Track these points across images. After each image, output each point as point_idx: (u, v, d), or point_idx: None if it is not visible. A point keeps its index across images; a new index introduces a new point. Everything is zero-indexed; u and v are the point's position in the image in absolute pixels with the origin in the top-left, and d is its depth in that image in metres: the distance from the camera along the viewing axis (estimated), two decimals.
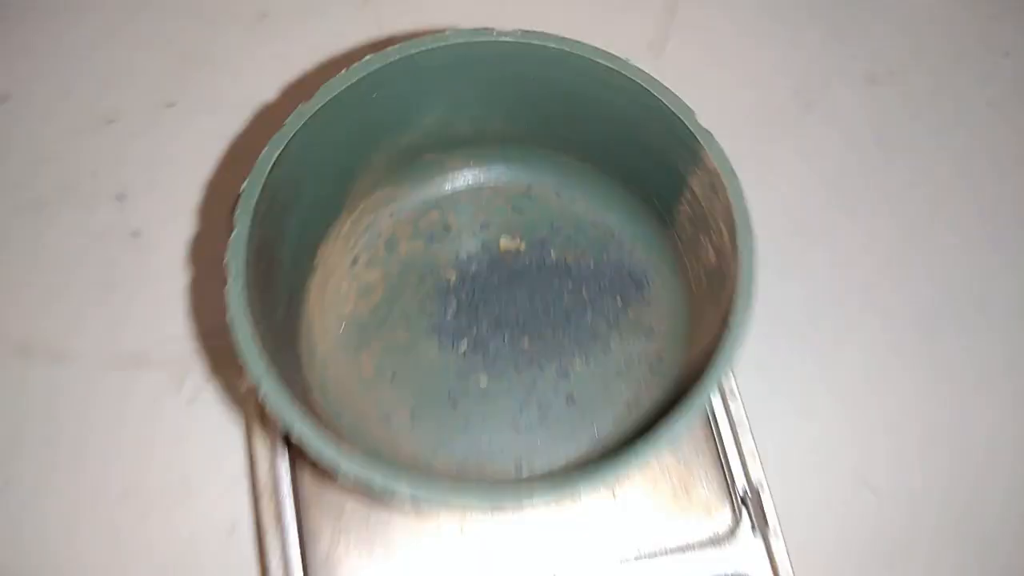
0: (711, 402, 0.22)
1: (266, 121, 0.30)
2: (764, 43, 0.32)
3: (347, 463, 0.16)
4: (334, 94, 0.19)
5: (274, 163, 0.19)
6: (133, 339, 0.28)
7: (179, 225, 0.29)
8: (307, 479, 0.22)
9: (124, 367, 0.28)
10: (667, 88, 0.19)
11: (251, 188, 0.18)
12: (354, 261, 0.23)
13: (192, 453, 0.27)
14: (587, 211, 0.24)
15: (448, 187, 0.24)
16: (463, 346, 0.23)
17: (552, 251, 0.23)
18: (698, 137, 0.18)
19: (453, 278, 0.23)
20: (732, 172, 0.18)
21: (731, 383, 0.23)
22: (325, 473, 0.22)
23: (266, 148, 0.19)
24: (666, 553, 0.22)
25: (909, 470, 0.27)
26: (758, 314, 0.25)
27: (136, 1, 0.34)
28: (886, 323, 0.28)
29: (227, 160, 0.30)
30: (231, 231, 0.19)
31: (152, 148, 0.31)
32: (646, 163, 0.21)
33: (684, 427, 0.17)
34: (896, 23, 0.32)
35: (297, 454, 0.23)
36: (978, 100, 0.31)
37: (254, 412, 0.23)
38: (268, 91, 0.30)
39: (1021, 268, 0.29)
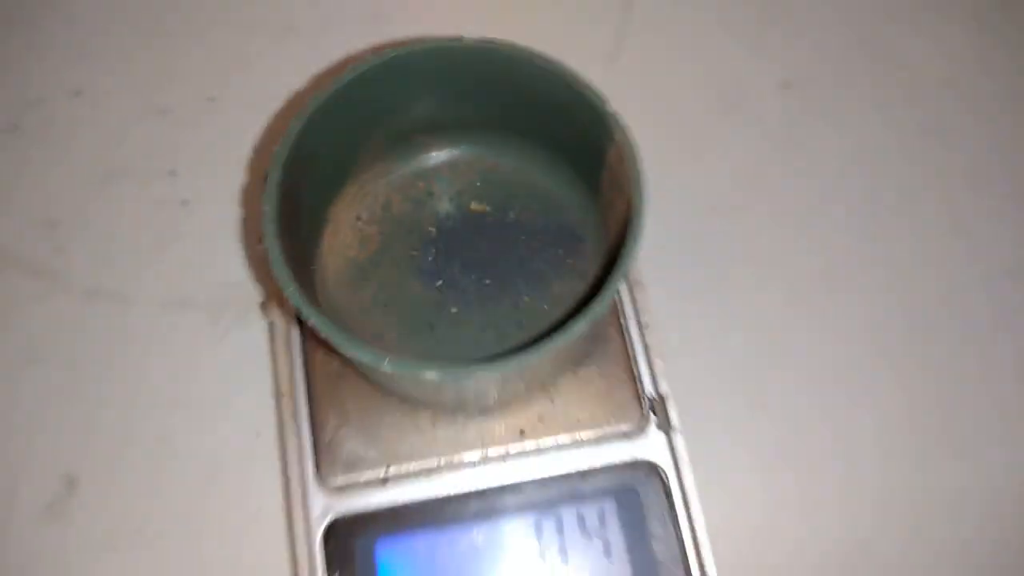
0: (623, 311, 0.29)
1: (291, 111, 0.36)
2: (698, 55, 0.38)
3: (347, 341, 0.22)
4: (342, 84, 0.26)
5: (296, 136, 0.25)
6: (180, 286, 0.34)
7: (220, 196, 0.35)
8: (317, 383, 0.28)
9: (172, 308, 0.33)
10: (588, 83, 0.25)
11: (281, 149, 0.24)
12: (357, 218, 0.30)
13: (226, 375, 0.32)
14: (537, 182, 0.30)
15: (431, 163, 0.30)
16: (439, 283, 0.29)
17: (510, 212, 0.30)
18: (609, 119, 0.24)
19: (434, 232, 0.29)
20: (631, 143, 0.24)
21: (646, 315, 0.29)
22: (332, 375, 0.28)
23: (291, 122, 0.25)
24: (591, 443, 0.28)
25: (794, 392, 0.32)
26: (672, 266, 0.32)
27: (181, 15, 0.39)
28: (786, 272, 0.33)
29: (260, 144, 0.35)
30: (267, 182, 0.25)
31: (198, 134, 0.36)
32: (579, 143, 0.27)
33: (585, 322, 0.23)
34: (806, 39, 0.38)
35: (310, 364, 0.29)
36: (868, 103, 0.36)
37: (280, 326, 0.30)
38: (294, 84, 0.36)
39: (889, 246, 0.34)
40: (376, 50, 0.26)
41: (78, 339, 0.33)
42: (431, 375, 0.22)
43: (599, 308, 0.23)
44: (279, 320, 0.30)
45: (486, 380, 0.23)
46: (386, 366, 0.22)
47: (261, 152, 0.35)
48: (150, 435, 0.31)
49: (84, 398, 0.32)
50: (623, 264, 0.23)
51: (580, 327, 0.22)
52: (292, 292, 0.23)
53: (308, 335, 0.29)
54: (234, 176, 0.35)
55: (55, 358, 0.33)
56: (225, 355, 0.33)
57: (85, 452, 0.31)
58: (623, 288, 0.30)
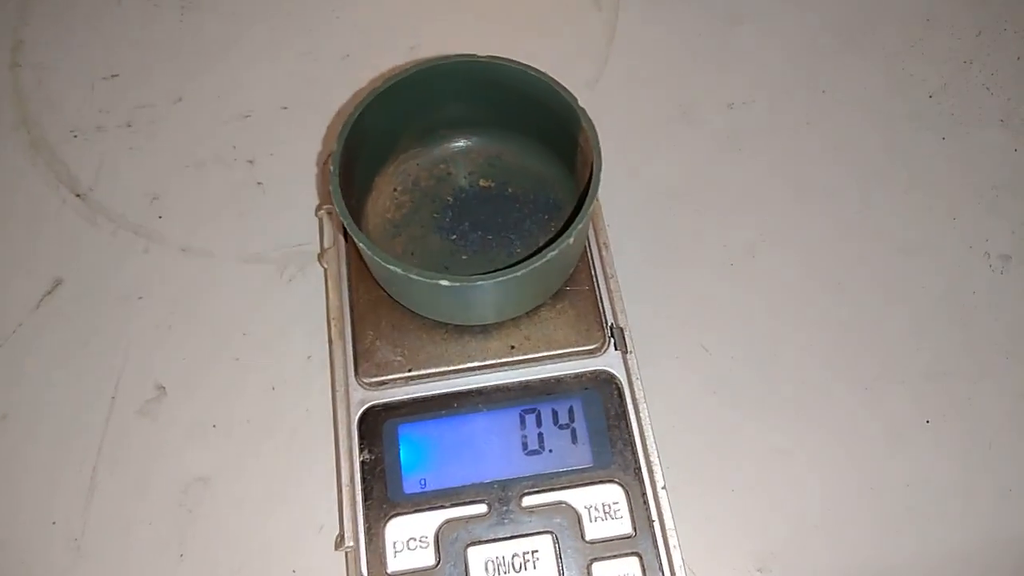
0: (593, 264, 0.37)
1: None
2: (663, 81, 0.46)
3: (384, 256, 0.31)
4: (388, 86, 0.34)
5: (355, 120, 0.34)
6: (254, 246, 0.42)
7: (287, 179, 0.43)
8: (359, 309, 0.36)
9: (248, 262, 0.41)
10: (565, 88, 0.34)
11: (343, 129, 0.33)
12: (394, 189, 0.39)
13: (287, 313, 0.40)
14: (530, 164, 0.38)
15: (451, 150, 0.39)
16: (453, 237, 0.37)
17: (509, 187, 0.38)
18: (578, 112, 0.34)
19: (451, 200, 0.38)
20: (594, 127, 0.33)
21: (610, 268, 0.38)
22: (371, 302, 0.36)
23: (352, 110, 0.34)
24: (564, 358, 0.35)
25: (744, 338, 0.39)
26: (634, 233, 0.41)
27: (261, 43, 0.48)
28: (723, 240, 0.42)
29: (321, 139, 0.44)
30: (333, 152, 0.34)
31: (272, 133, 0.45)
32: (560, 132, 0.35)
33: (556, 249, 0.31)
34: (746, 71, 0.46)
35: (353, 295, 0.38)
36: (794, 120, 0.45)
37: (332, 269, 0.39)
38: (349, 98, 0.45)
39: (806, 224, 0.42)
40: (413, 64, 0.35)
41: (173, 283, 0.41)
42: (445, 282, 0.31)
43: (567, 238, 0.31)
44: (332, 264, 0.39)
45: (486, 289, 0.32)
46: (413, 275, 0.31)
47: (322, 147, 0.45)
48: (227, 356, 0.39)
49: (176, 327, 0.40)
50: (588, 204, 0.32)
51: (552, 252, 0.31)
52: (347, 220, 0.32)
53: (354, 271, 0.38)
54: (298, 165, 0.44)
55: (155, 296, 0.41)
56: (287, 298, 0.41)
57: (174, 367, 0.39)
58: (593, 247, 0.38)
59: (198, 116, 0.46)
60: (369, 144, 0.36)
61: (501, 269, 0.31)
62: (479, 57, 0.35)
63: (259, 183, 0.44)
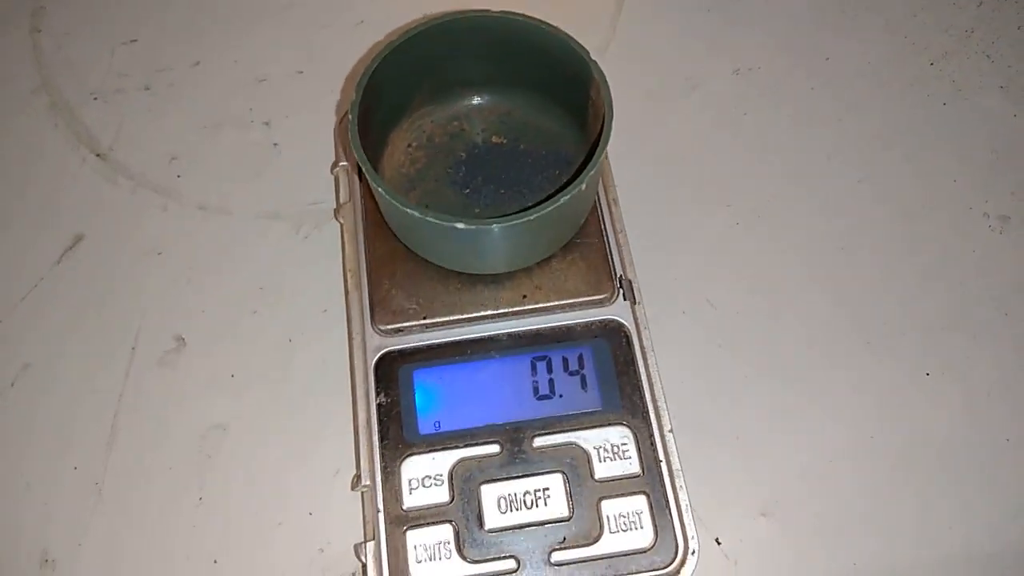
0: (603, 219, 0.38)
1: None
2: (670, 48, 0.47)
3: (396, 199, 0.32)
4: (404, 40, 0.35)
5: (372, 71, 0.35)
6: (270, 203, 0.43)
7: (302, 140, 0.44)
8: (374, 259, 0.37)
9: (265, 219, 0.42)
10: (576, 40, 0.36)
11: (362, 79, 0.34)
12: (409, 144, 0.40)
13: (304, 268, 0.41)
14: (542, 121, 0.39)
15: (464, 106, 0.40)
16: (467, 191, 0.38)
17: (521, 144, 0.39)
18: (590, 63, 0.35)
19: (464, 156, 0.39)
20: (605, 78, 0.34)
21: (619, 223, 0.39)
22: (387, 253, 0.37)
23: (369, 62, 0.35)
24: (575, 307, 0.36)
25: (749, 294, 0.40)
26: (642, 190, 0.42)
27: (278, 9, 0.49)
28: (728, 199, 0.43)
29: (336, 104, 0.46)
30: (352, 102, 0.35)
31: (288, 97, 0.46)
32: (571, 88, 0.36)
33: (568, 195, 0.32)
34: (752, 37, 0.47)
35: (369, 246, 0.39)
36: (804, 87, 0.46)
37: (348, 223, 0.39)
38: (359, 61, 0.46)
39: (809, 186, 0.43)
40: (427, 18, 0.36)
41: (191, 240, 0.42)
42: (460, 225, 0.32)
43: (578, 184, 0.32)
44: (348, 218, 0.40)
45: (499, 233, 0.33)
46: (430, 218, 0.32)
47: (339, 105, 0.46)
48: (245, 309, 0.40)
49: (195, 281, 0.41)
50: (599, 153, 0.33)
51: (564, 198, 0.32)
52: (366, 165, 0.33)
53: (369, 224, 0.39)
54: (313, 127, 0.45)
55: (174, 252, 0.42)
56: (303, 254, 0.42)
57: (193, 320, 0.40)
58: (603, 202, 0.40)
59: (215, 80, 0.47)
60: (384, 99, 0.37)
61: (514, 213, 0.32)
62: (492, 12, 0.36)
63: (275, 144, 0.45)
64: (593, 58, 0.35)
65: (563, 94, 0.38)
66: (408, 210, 0.32)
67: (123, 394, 0.39)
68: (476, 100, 0.41)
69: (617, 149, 0.39)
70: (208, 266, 0.42)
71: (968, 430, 0.38)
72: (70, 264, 0.42)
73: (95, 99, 0.47)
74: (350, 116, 0.34)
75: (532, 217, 0.32)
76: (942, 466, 0.37)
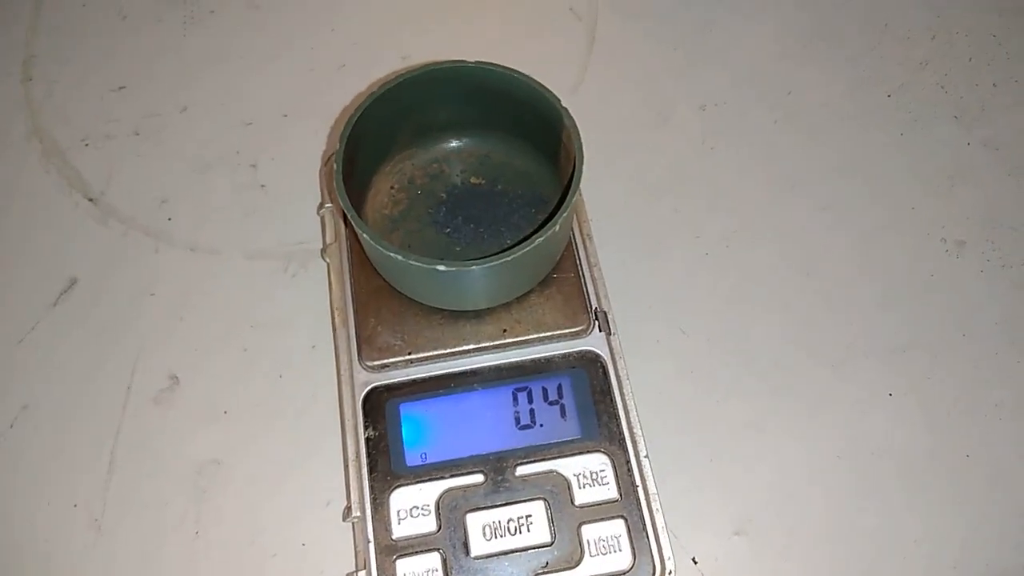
0: (578, 254, 0.40)
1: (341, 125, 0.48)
2: (640, 85, 0.49)
3: (383, 244, 0.34)
4: (386, 89, 0.37)
5: (355, 121, 0.36)
6: (258, 243, 0.44)
7: (288, 182, 0.46)
8: (360, 298, 0.39)
9: (253, 258, 0.44)
10: (548, 89, 0.38)
11: (346, 129, 0.36)
12: (391, 187, 0.42)
13: (291, 305, 0.43)
14: (518, 162, 0.41)
15: (444, 150, 0.42)
16: (448, 230, 0.40)
17: (499, 184, 0.41)
18: (561, 111, 0.37)
19: (445, 196, 0.41)
20: (575, 124, 0.36)
21: (593, 257, 0.41)
22: (372, 291, 0.38)
23: (352, 112, 0.36)
24: (552, 339, 0.38)
25: (719, 320, 0.42)
26: (615, 225, 0.43)
27: (262, 55, 0.51)
28: (696, 230, 0.44)
29: (321, 145, 0.47)
30: (336, 150, 0.37)
31: (273, 139, 0.47)
32: (546, 132, 0.38)
33: (542, 236, 0.34)
34: (718, 73, 0.50)
35: (355, 285, 0.40)
36: (768, 120, 0.48)
37: (334, 263, 0.41)
38: (346, 106, 0.48)
39: (771, 213, 0.45)
40: (407, 69, 0.38)
41: (183, 280, 0.44)
42: (441, 267, 0.34)
43: (553, 225, 0.34)
44: (334, 258, 0.41)
45: (479, 273, 0.34)
46: (412, 261, 0.34)
47: (324, 146, 0.48)
48: (236, 346, 0.42)
49: (187, 320, 0.43)
50: (571, 194, 0.35)
51: (539, 239, 0.34)
52: (351, 212, 0.35)
53: (355, 264, 0.41)
54: (298, 168, 0.46)
55: (166, 293, 0.43)
56: (291, 292, 0.43)
57: (186, 358, 0.42)
58: (578, 237, 0.41)
59: (203, 124, 0.49)
60: (368, 145, 0.39)
61: (493, 255, 0.34)
62: (468, 63, 0.38)
63: (262, 185, 0.47)
64: (564, 105, 0.37)
65: (537, 137, 0.40)
66: (391, 254, 0.34)
67: (120, 432, 0.41)
68: (455, 143, 0.42)
69: (590, 183, 0.41)
70: (199, 306, 0.44)
71: (930, 447, 0.40)
72: (66, 307, 0.44)
73: (86, 145, 0.48)
74: (335, 165, 0.36)
75: (510, 258, 0.34)
76: (906, 482, 0.39)
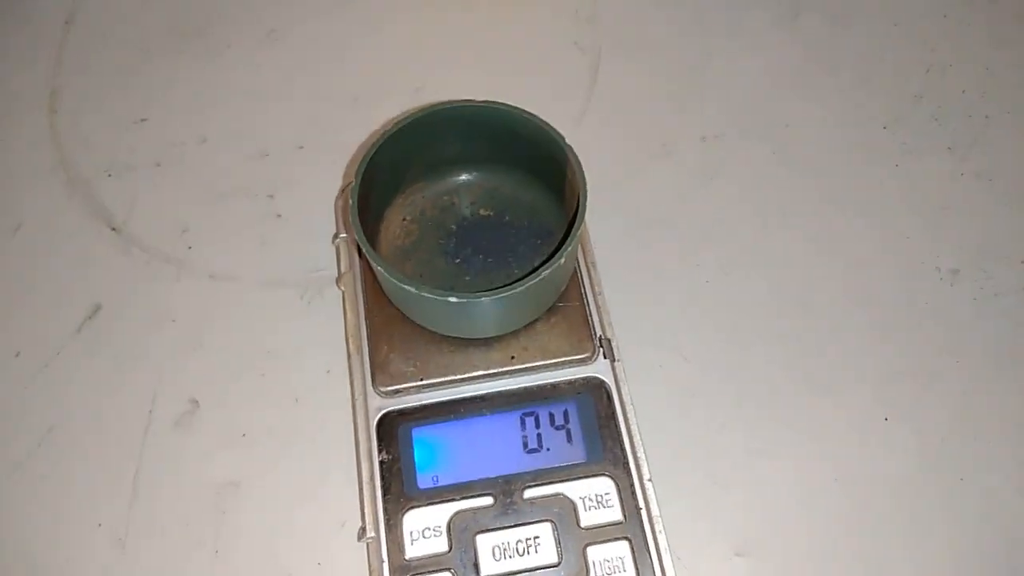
0: (583, 282, 0.42)
1: (356, 155, 0.49)
2: (642, 116, 0.51)
3: (397, 276, 0.36)
4: (398, 128, 0.39)
5: (371, 157, 0.39)
6: (275, 272, 0.45)
7: (304, 212, 0.47)
8: (374, 325, 0.41)
9: (270, 287, 0.45)
10: (553, 127, 0.39)
11: (361, 165, 0.38)
12: (403, 218, 0.43)
13: (307, 332, 0.43)
14: (525, 195, 0.43)
15: (454, 183, 0.43)
16: (457, 260, 0.41)
17: (506, 216, 0.43)
18: (566, 148, 0.38)
19: (455, 228, 0.43)
20: (579, 161, 0.37)
21: (598, 285, 0.43)
22: (385, 319, 0.40)
23: (367, 150, 0.38)
24: (559, 366, 0.39)
25: (719, 347, 0.43)
26: (618, 255, 0.45)
27: (278, 88, 0.53)
28: (699, 261, 0.46)
29: (336, 176, 0.49)
30: (351, 185, 0.39)
31: (290, 170, 0.48)
32: (550, 166, 0.40)
33: (549, 268, 0.36)
34: (718, 106, 0.51)
35: (369, 313, 0.42)
36: (766, 151, 0.49)
37: (349, 291, 0.43)
38: (359, 138, 0.49)
39: (771, 245, 0.47)
40: (418, 109, 0.40)
41: (202, 307, 0.45)
42: (453, 298, 0.36)
43: (559, 259, 0.36)
44: (348, 287, 0.43)
45: (489, 304, 0.36)
46: (425, 293, 0.36)
47: (339, 177, 0.50)
48: (254, 372, 0.43)
49: (206, 346, 0.44)
50: (576, 229, 0.36)
51: (546, 271, 0.36)
52: (366, 246, 0.36)
53: (369, 292, 0.42)
54: (314, 198, 0.48)
55: (186, 319, 0.45)
56: (306, 319, 0.44)
57: (206, 383, 0.43)
58: (583, 266, 0.43)
59: (221, 155, 0.50)
60: (381, 179, 0.41)
61: (501, 287, 0.35)
62: (476, 102, 0.40)
63: (279, 215, 0.49)
64: (568, 142, 0.39)
65: (543, 172, 0.42)
66: (405, 286, 0.35)
67: (143, 454, 0.42)
68: (464, 177, 0.44)
69: (594, 212, 0.42)
70: (218, 332, 0.45)
71: (924, 471, 0.41)
72: (89, 333, 0.45)
73: (109, 175, 0.50)
74: (350, 200, 0.37)
75: (518, 289, 0.35)
76: (901, 506, 0.41)
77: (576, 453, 0.39)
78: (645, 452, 0.39)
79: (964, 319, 0.45)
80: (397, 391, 0.40)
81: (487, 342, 0.40)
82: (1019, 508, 0.40)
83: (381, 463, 0.38)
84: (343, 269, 0.44)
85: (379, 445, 0.39)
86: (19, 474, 0.42)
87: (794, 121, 0.51)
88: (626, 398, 0.40)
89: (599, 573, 0.36)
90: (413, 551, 0.36)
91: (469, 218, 0.43)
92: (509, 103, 0.40)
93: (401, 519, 0.37)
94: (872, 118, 0.52)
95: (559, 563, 0.36)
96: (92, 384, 0.44)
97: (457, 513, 0.37)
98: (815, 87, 0.53)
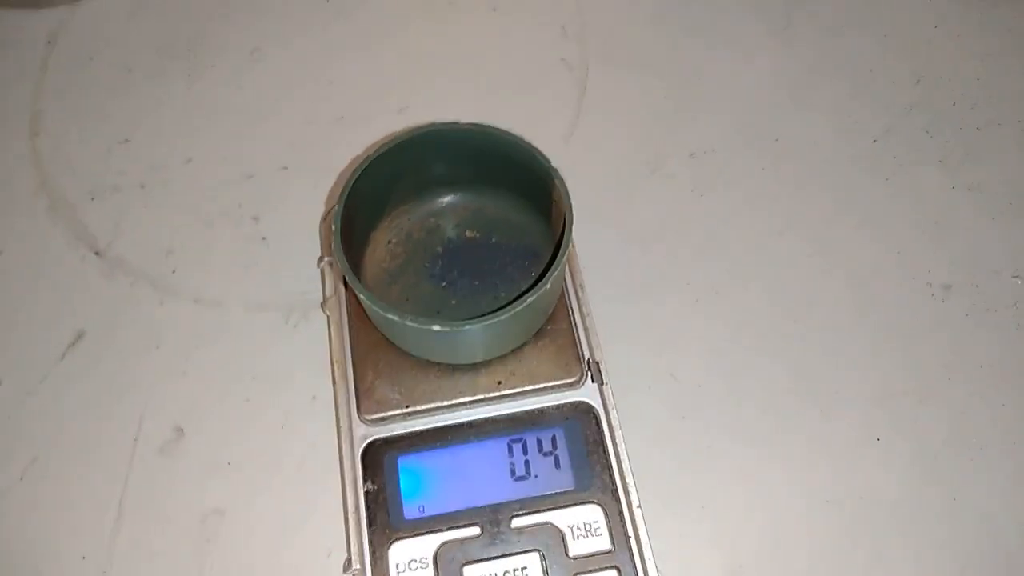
0: (570, 304, 0.41)
1: (342, 177, 0.49)
2: (630, 133, 0.50)
3: (380, 305, 0.35)
4: (383, 150, 0.39)
5: (355, 181, 0.38)
6: (260, 295, 0.45)
7: (289, 234, 0.47)
8: (359, 352, 0.40)
9: (255, 310, 0.45)
10: (538, 150, 0.38)
11: (344, 189, 0.37)
12: (388, 241, 0.43)
13: (292, 357, 0.43)
14: (511, 216, 0.42)
15: (440, 205, 0.43)
16: (444, 284, 0.41)
17: (493, 237, 0.42)
18: (551, 170, 0.38)
19: (440, 250, 0.42)
20: (564, 183, 0.37)
21: (586, 307, 0.42)
22: (370, 345, 0.40)
23: (352, 172, 0.38)
24: (546, 391, 0.39)
25: (710, 367, 0.43)
26: (607, 275, 0.45)
27: (261, 109, 0.52)
28: (689, 279, 0.45)
29: (321, 198, 0.49)
30: (335, 209, 0.38)
31: (274, 191, 0.48)
32: (536, 188, 0.39)
33: (534, 294, 0.35)
34: (707, 123, 0.51)
35: (354, 339, 0.42)
36: (756, 167, 0.49)
37: (334, 316, 0.42)
38: (344, 158, 0.48)
39: (760, 259, 0.46)
40: (403, 131, 0.39)
41: (187, 332, 0.45)
42: (437, 327, 0.35)
43: (544, 284, 0.35)
44: (333, 311, 0.43)
45: (474, 332, 0.36)
46: (408, 321, 0.35)
47: (324, 199, 0.49)
48: (238, 398, 0.43)
49: (190, 372, 0.44)
50: (562, 253, 0.36)
51: (531, 298, 0.35)
52: (350, 275, 0.36)
53: (354, 317, 0.42)
54: (299, 221, 0.47)
55: (170, 345, 0.45)
56: (292, 343, 0.44)
57: (190, 410, 0.43)
58: (570, 288, 0.42)
59: (206, 177, 0.50)
60: (366, 202, 0.40)
61: (487, 314, 0.35)
62: (461, 124, 0.40)
63: (264, 238, 0.48)
64: (554, 165, 0.38)
65: (530, 193, 0.41)
66: (388, 315, 0.35)
67: (127, 483, 0.42)
68: (450, 198, 0.44)
69: (582, 233, 0.42)
70: (203, 357, 0.45)
71: (918, 490, 0.41)
72: (73, 360, 0.45)
73: (92, 199, 0.50)
74: (333, 227, 0.37)
75: (503, 316, 0.35)
76: (894, 525, 0.40)
77: (564, 480, 0.38)
78: (634, 478, 0.38)
79: (957, 335, 0.45)
80: (383, 419, 0.39)
81: (474, 367, 0.40)
82: (1013, 527, 0.40)
83: (367, 493, 0.38)
84: (328, 293, 0.43)
85: (364, 474, 0.38)
86: (1, 505, 0.41)
87: (784, 135, 0.51)
88: (615, 422, 0.39)
89: None
90: None
91: (455, 240, 0.43)
92: (494, 125, 0.39)
93: (387, 551, 0.37)
94: (863, 131, 0.51)
95: None
96: (76, 412, 0.43)
97: (444, 544, 0.37)
98: (806, 100, 0.53)
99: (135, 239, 0.49)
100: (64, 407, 0.44)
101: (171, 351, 0.45)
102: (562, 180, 0.38)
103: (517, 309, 0.35)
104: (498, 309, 0.35)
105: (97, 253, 0.48)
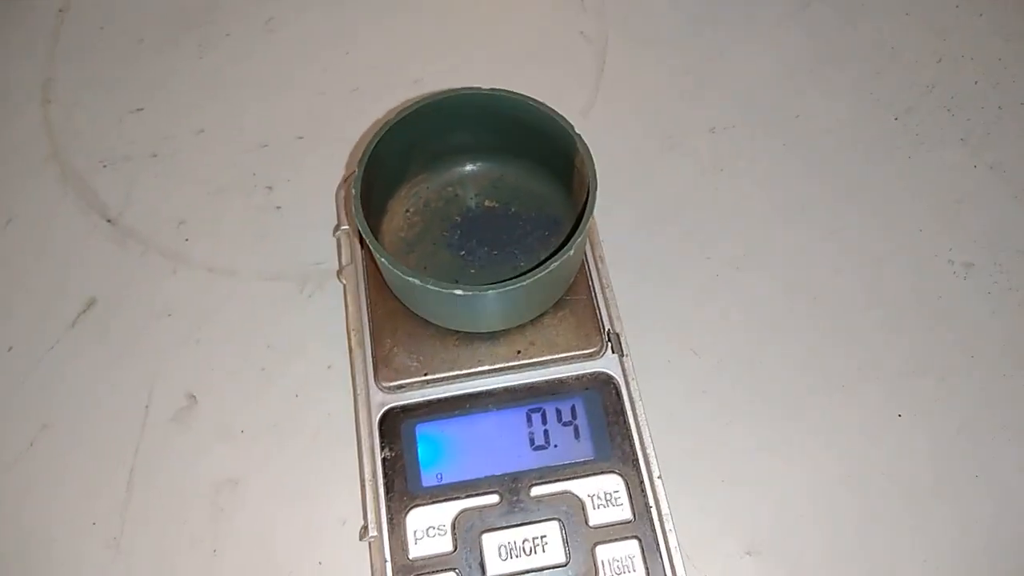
0: (591, 276, 0.41)
1: (358, 147, 0.48)
2: (650, 108, 0.50)
3: (400, 267, 0.35)
4: (402, 116, 0.38)
5: (374, 146, 0.37)
6: (274, 264, 0.45)
7: (303, 204, 0.46)
8: (376, 319, 0.40)
9: (269, 280, 0.44)
10: (561, 115, 0.38)
11: (364, 155, 0.37)
12: (407, 210, 0.42)
13: (307, 326, 0.43)
14: (531, 185, 0.42)
15: (458, 173, 0.42)
16: (462, 253, 0.40)
17: (512, 207, 0.42)
18: (575, 137, 0.38)
19: (459, 219, 0.42)
20: (588, 150, 0.36)
21: (606, 279, 0.42)
22: (388, 312, 0.39)
23: (371, 138, 0.37)
24: (566, 361, 0.39)
25: (730, 342, 0.43)
26: (627, 249, 0.44)
27: (278, 80, 0.51)
28: (707, 251, 0.45)
29: (336, 167, 0.48)
30: (354, 174, 0.38)
31: (289, 161, 0.48)
32: (558, 156, 0.39)
33: (557, 261, 0.35)
34: (727, 97, 0.50)
35: (371, 306, 0.41)
36: (777, 143, 0.49)
37: (350, 284, 0.42)
38: (360, 129, 0.48)
39: (780, 236, 0.46)
40: (423, 96, 0.39)
41: (200, 301, 0.44)
42: (459, 291, 0.35)
43: (567, 250, 0.35)
44: (350, 280, 0.42)
45: (495, 297, 0.35)
46: (430, 285, 0.35)
47: (338, 168, 0.49)
48: (253, 366, 0.42)
49: (204, 341, 0.43)
50: (585, 220, 0.35)
51: (554, 264, 0.35)
52: (369, 237, 0.35)
53: (371, 285, 0.41)
54: (314, 190, 0.47)
55: (183, 313, 0.44)
56: (307, 312, 0.44)
57: (204, 378, 0.42)
58: (591, 260, 0.42)
59: (219, 146, 0.49)
60: (384, 168, 0.40)
61: (508, 279, 0.34)
62: (482, 89, 0.39)
63: (278, 207, 0.48)
64: (578, 131, 0.38)
65: (550, 161, 0.41)
66: (409, 279, 0.34)
67: (138, 451, 0.41)
68: (469, 167, 0.43)
69: (602, 205, 0.41)
70: (216, 326, 0.44)
71: (938, 468, 0.40)
72: (84, 327, 0.44)
73: (104, 167, 0.49)
74: (353, 190, 0.36)
75: (525, 282, 0.34)
76: (914, 503, 0.40)
77: (584, 450, 0.38)
78: (654, 449, 0.38)
79: (978, 313, 0.44)
80: (400, 386, 0.39)
81: (493, 336, 0.39)
82: None
83: (384, 460, 0.37)
84: (344, 262, 0.43)
85: (382, 442, 0.38)
86: (12, 472, 0.41)
87: (805, 112, 0.50)
88: (634, 393, 0.39)
89: (608, 573, 0.35)
90: (417, 551, 0.36)
91: (474, 209, 0.42)
92: (514, 91, 0.39)
93: (404, 518, 0.36)
94: (884, 109, 0.51)
95: (567, 563, 0.35)
96: (87, 379, 0.43)
97: (462, 512, 0.36)
98: (826, 78, 0.52)
99: (147, 208, 0.48)
100: (75, 374, 0.43)
101: (184, 319, 0.44)
102: (585, 145, 0.37)
103: (540, 275, 0.34)
104: (519, 276, 0.34)
105: (109, 221, 0.47)
